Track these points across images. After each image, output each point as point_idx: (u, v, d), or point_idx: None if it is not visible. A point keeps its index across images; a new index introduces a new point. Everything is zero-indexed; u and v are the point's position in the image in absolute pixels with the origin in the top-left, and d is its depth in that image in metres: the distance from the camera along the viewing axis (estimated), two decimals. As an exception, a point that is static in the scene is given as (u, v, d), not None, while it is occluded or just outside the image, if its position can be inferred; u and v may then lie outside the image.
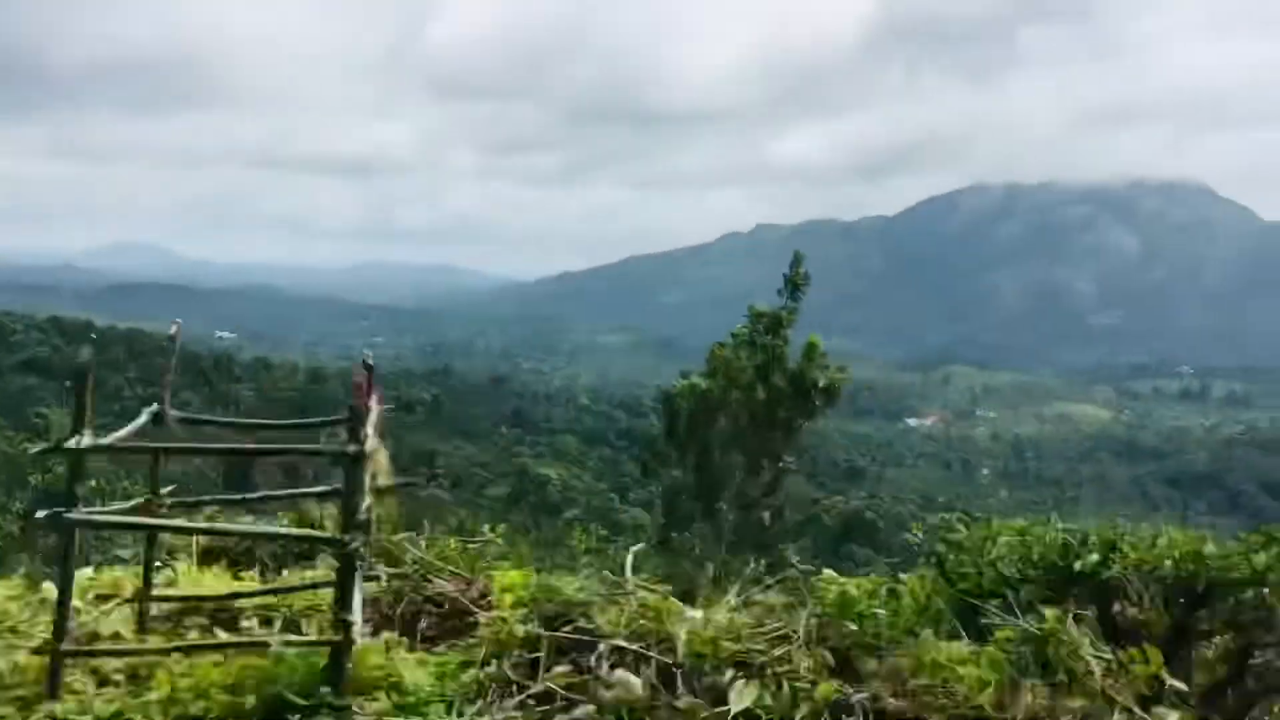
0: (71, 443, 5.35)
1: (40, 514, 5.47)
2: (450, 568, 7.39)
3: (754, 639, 5.81)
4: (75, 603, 5.77)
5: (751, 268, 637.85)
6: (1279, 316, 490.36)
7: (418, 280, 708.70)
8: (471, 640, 6.24)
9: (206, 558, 7.91)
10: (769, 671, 5.53)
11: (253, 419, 9.36)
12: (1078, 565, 6.43)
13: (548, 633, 5.85)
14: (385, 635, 6.24)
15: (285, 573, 7.91)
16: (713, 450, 23.88)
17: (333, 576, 5.63)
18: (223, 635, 6.05)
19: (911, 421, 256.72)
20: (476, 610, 6.65)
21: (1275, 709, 6.42)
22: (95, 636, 5.95)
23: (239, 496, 7.52)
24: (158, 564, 7.05)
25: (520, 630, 5.86)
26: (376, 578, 6.52)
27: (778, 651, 5.70)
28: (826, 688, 5.29)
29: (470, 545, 7.98)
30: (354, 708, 5.17)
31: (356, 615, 5.36)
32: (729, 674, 5.50)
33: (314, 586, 6.65)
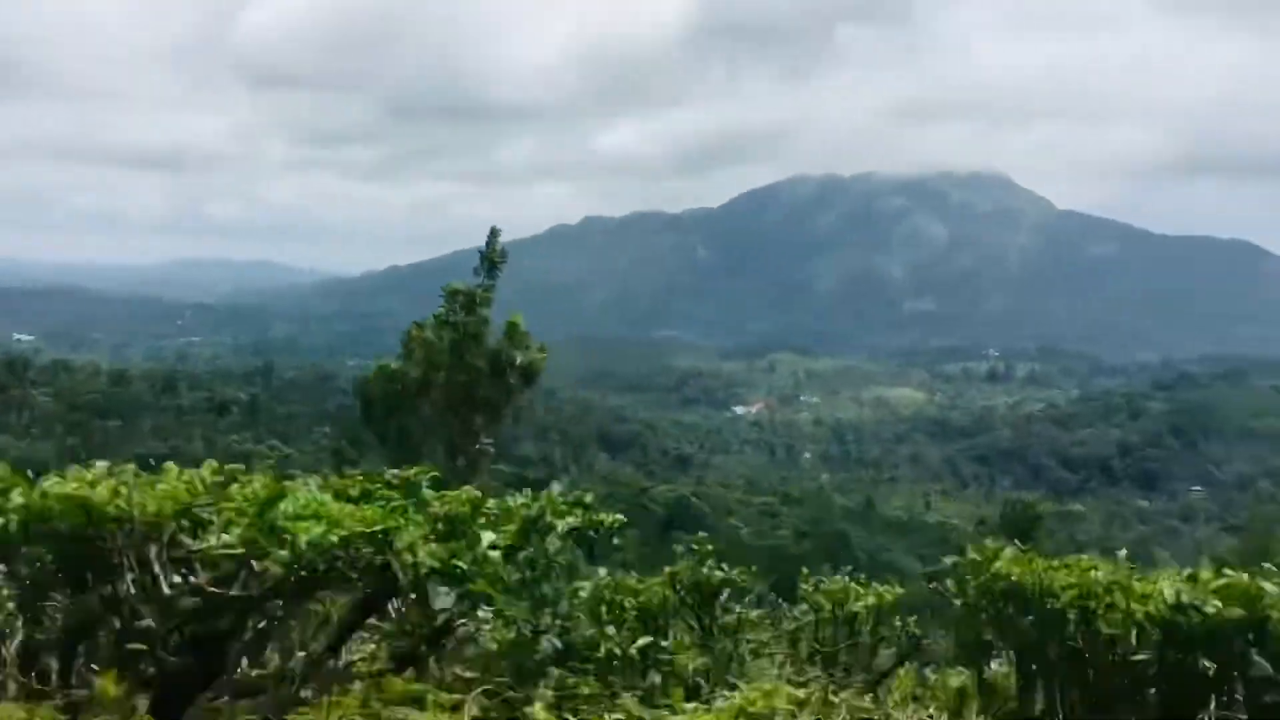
0: None
1: None
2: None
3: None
4: None
5: (581, 259, 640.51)
6: (1073, 300, 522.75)
7: (236, 276, 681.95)
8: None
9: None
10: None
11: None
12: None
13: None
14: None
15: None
16: (413, 435, 23.15)
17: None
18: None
19: (738, 409, 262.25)
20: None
21: None
22: None
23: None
24: None
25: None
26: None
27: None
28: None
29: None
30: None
31: None
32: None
33: None
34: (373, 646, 5.50)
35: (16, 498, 4.42)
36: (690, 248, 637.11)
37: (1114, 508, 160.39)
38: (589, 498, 5.38)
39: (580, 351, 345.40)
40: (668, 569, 8.09)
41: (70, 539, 4.38)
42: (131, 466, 4.64)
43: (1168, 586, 4.96)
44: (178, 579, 4.40)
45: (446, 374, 22.51)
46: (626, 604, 7.11)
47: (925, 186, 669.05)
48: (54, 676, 4.70)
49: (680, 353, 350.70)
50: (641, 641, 5.75)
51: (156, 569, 4.35)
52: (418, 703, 4.76)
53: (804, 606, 8.77)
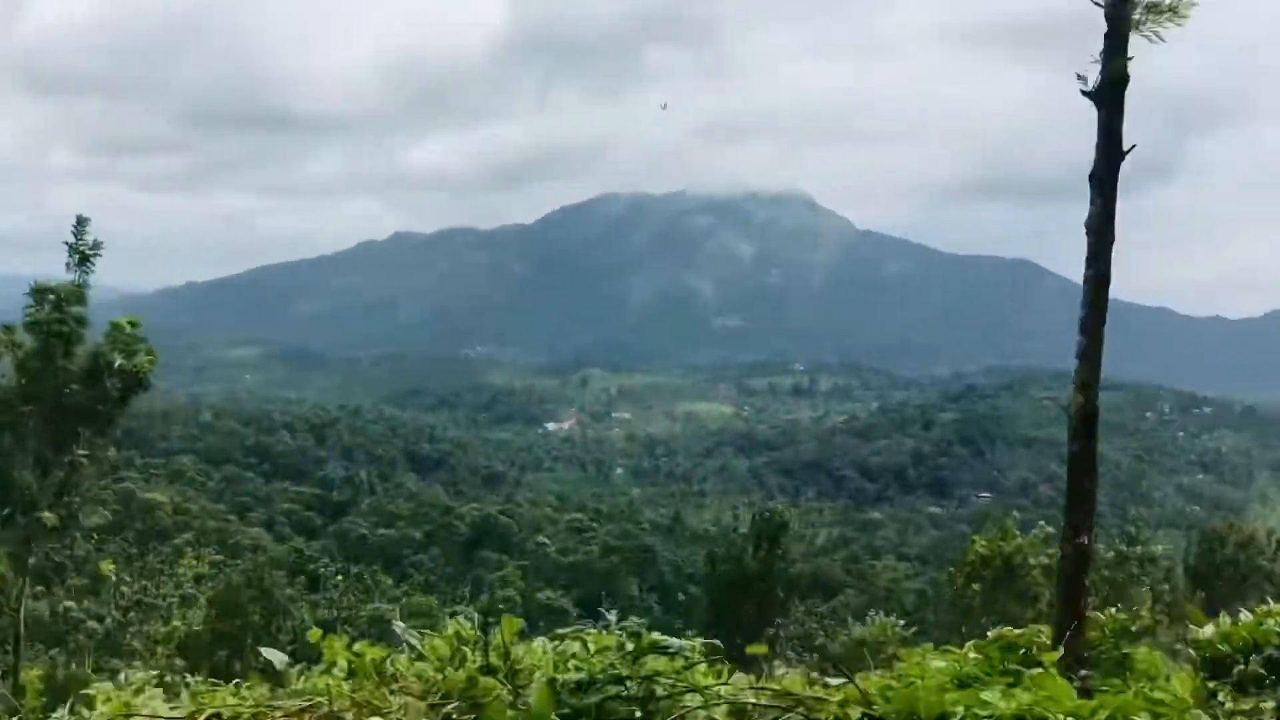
0: None
1: None
2: None
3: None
4: None
5: (390, 276, 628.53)
6: (873, 315, 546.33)
7: (17, 293, 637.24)
8: None
9: None
10: None
11: None
12: None
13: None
14: None
15: None
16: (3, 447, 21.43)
17: None
18: None
19: (550, 426, 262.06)
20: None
21: None
22: None
23: None
24: None
25: None
26: None
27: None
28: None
29: None
30: None
31: None
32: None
33: None
34: None
35: None
36: (503, 264, 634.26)
37: (909, 515, 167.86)
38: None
39: (390, 370, 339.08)
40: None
41: None
42: None
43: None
44: None
45: (30, 380, 20.48)
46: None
47: (732, 205, 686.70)
48: None
49: (493, 370, 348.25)
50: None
51: None
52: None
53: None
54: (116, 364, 19.92)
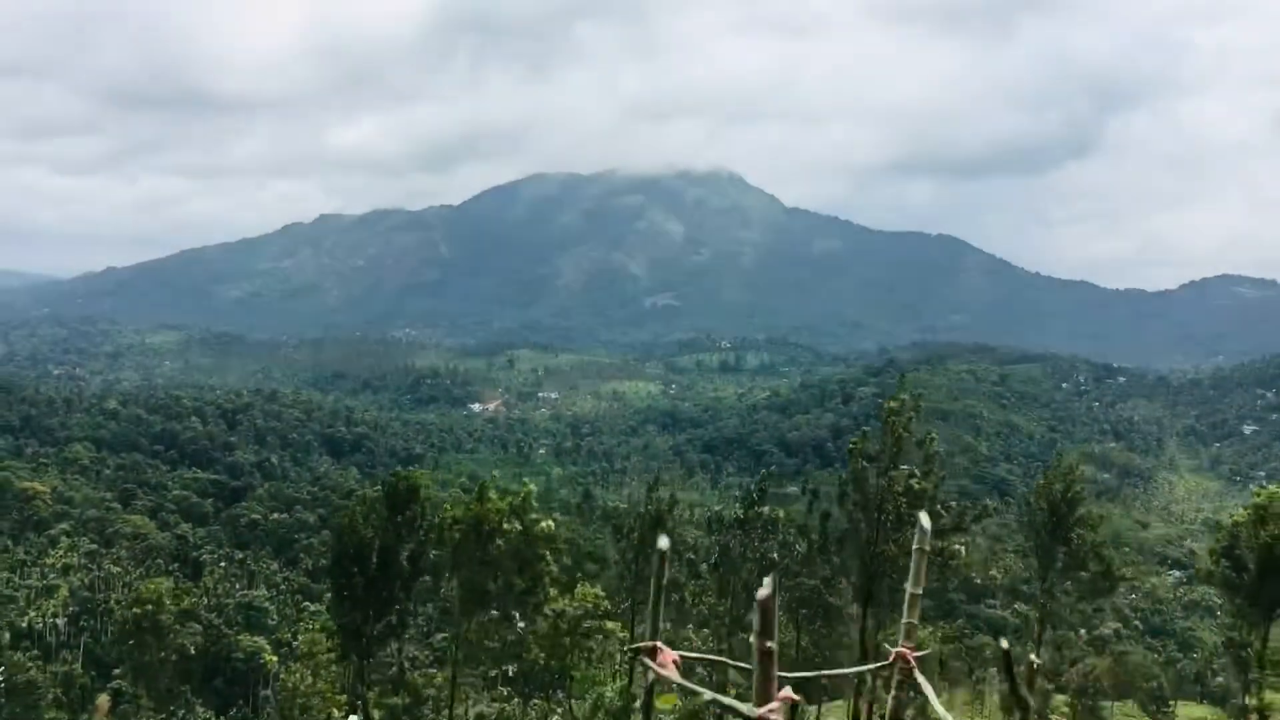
0: None
1: None
2: None
3: None
4: None
5: (316, 259, 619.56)
6: (801, 292, 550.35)
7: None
8: None
9: None
10: None
11: None
12: None
13: None
14: None
15: None
16: None
17: None
18: None
19: (475, 406, 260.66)
20: None
21: None
22: None
23: None
24: None
25: None
26: None
27: None
28: None
29: None
30: None
31: None
32: None
33: None
34: None
35: None
36: (431, 245, 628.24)
37: (827, 490, 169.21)
38: None
39: (314, 353, 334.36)
40: None
41: None
42: None
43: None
44: None
45: None
46: None
47: (662, 184, 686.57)
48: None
49: (419, 352, 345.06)
50: None
51: None
52: None
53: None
54: None
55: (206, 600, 58.88)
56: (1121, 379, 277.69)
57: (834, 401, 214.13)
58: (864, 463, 28.51)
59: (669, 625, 35.16)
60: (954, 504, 31.57)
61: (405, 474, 34.93)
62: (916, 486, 28.02)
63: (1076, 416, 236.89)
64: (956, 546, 29.89)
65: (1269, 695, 33.46)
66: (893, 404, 28.33)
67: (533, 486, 33.45)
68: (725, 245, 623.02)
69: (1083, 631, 68.33)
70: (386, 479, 38.51)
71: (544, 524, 31.33)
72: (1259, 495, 30.96)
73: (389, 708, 36.23)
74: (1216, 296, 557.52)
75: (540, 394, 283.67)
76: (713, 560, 31.92)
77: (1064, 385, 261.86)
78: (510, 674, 50.59)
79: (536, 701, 44.53)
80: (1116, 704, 56.64)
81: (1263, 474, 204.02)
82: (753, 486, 32.45)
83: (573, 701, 36.93)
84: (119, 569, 60.36)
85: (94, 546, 68.31)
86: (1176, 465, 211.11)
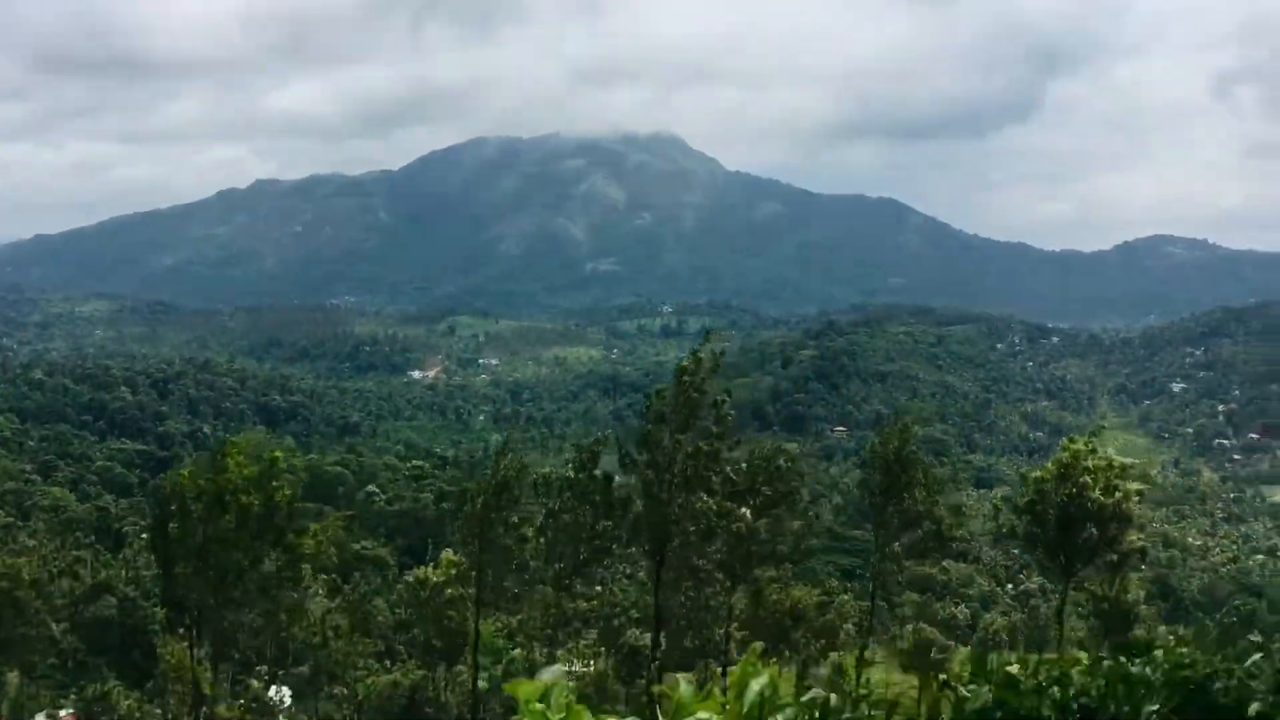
0: None
1: None
2: None
3: None
4: None
5: (251, 226, 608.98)
6: (743, 256, 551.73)
7: None
8: None
9: None
10: None
11: None
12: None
13: None
14: None
15: None
16: None
17: None
18: None
19: (415, 374, 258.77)
20: None
21: None
22: None
23: None
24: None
25: None
26: None
27: None
28: None
29: None
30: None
31: None
32: None
33: None
34: None
35: None
36: (370, 211, 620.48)
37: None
38: None
39: (249, 321, 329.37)
40: None
41: None
42: None
43: None
44: None
45: None
46: None
47: (603, 148, 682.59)
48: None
49: (358, 319, 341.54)
50: None
51: None
52: None
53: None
54: None
55: (125, 572, 58.03)
56: (1055, 339, 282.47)
57: (773, 365, 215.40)
58: (654, 423, 28.02)
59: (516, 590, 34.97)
60: (744, 466, 31.26)
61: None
62: (706, 448, 27.78)
63: (1011, 376, 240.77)
64: (742, 510, 29.66)
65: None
66: (686, 363, 27.92)
67: (279, 453, 29.84)
68: (667, 209, 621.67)
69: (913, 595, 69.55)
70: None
71: (284, 493, 27.74)
72: (1066, 449, 31.04)
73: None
74: (1149, 257, 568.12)
75: (481, 360, 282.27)
76: (539, 524, 31.33)
77: (999, 346, 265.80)
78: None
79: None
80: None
81: (1190, 430, 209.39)
82: (583, 446, 31.37)
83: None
84: (34, 542, 59.22)
85: (10, 520, 67.14)
86: (1106, 422, 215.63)
